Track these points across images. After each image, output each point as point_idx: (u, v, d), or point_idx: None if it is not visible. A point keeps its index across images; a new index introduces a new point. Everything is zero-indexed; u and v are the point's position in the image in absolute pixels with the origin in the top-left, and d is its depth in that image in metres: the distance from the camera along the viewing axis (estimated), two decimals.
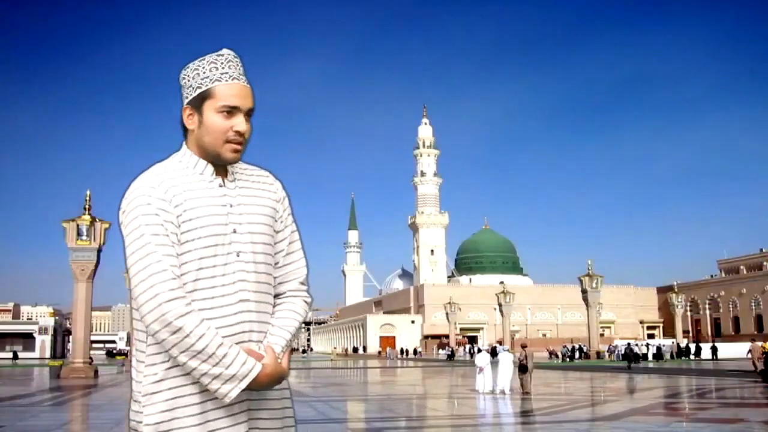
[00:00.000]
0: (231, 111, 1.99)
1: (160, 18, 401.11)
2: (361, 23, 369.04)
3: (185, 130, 2.06)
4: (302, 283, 2.14)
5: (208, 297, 1.92)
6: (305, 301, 2.12)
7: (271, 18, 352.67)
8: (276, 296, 2.08)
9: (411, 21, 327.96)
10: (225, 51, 2.04)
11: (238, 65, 2.04)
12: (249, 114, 2.03)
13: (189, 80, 2.02)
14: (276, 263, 2.09)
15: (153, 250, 1.86)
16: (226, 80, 1.99)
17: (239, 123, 1.99)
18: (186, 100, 2.02)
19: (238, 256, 1.98)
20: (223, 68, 2.00)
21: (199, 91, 1.99)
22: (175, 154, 2.06)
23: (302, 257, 2.16)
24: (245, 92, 2.02)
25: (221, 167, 2.05)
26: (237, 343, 1.90)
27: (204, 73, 2.00)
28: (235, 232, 1.99)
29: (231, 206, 2.01)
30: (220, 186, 2.03)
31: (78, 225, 33.88)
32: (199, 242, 1.93)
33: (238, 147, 2.01)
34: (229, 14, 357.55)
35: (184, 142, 2.07)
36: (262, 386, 1.90)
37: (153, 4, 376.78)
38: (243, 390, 1.86)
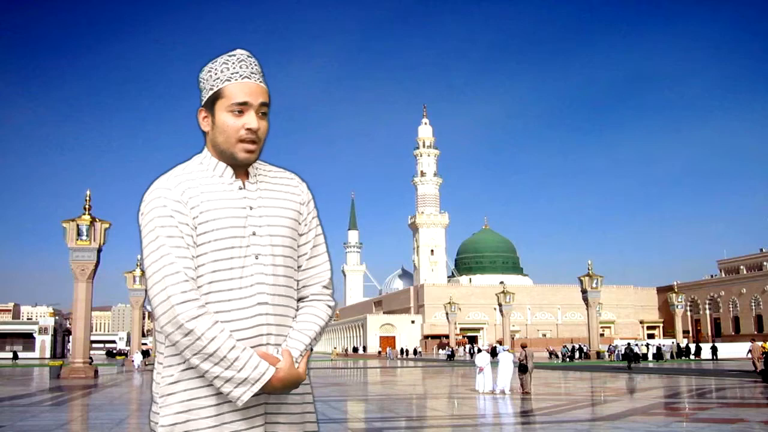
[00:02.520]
0: (242, 110, 1.97)
1: (160, 18, 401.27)
2: (361, 23, 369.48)
3: (205, 132, 2.06)
4: (326, 287, 2.11)
5: (224, 299, 1.91)
6: (328, 305, 2.10)
7: (271, 18, 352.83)
8: (299, 300, 2.07)
9: (411, 21, 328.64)
10: (238, 51, 2.03)
11: (251, 65, 2.02)
12: (263, 112, 2.01)
13: (204, 83, 2.03)
14: (299, 266, 2.08)
15: (167, 252, 1.87)
16: (237, 79, 1.99)
17: (250, 120, 1.98)
18: (201, 102, 2.03)
19: (256, 258, 1.96)
20: (234, 68, 2.00)
21: (211, 92, 2.00)
22: (196, 156, 2.06)
23: (327, 261, 2.14)
24: (257, 90, 2.00)
25: (242, 169, 2.04)
26: (254, 346, 1.89)
27: (216, 74, 2.00)
28: (254, 234, 1.98)
29: (251, 208, 2.00)
30: (240, 188, 2.02)
31: (78, 225, 33.84)
32: (215, 244, 1.93)
33: (251, 147, 1.99)
34: (229, 14, 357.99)
35: (205, 146, 2.07)
36: (276, 390, 1.89)
37: (153, 5, 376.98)
38: (257, 394, 1.85)
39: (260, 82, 2.02)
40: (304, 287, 2.08)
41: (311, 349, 2.03)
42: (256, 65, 2.03)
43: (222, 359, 1.81)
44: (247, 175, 2.05)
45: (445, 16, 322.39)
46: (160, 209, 1.91)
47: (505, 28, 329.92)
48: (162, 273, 1.85)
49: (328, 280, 2.13)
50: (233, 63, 2.00)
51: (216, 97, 1.99)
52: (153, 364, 2.11)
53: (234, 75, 1.99)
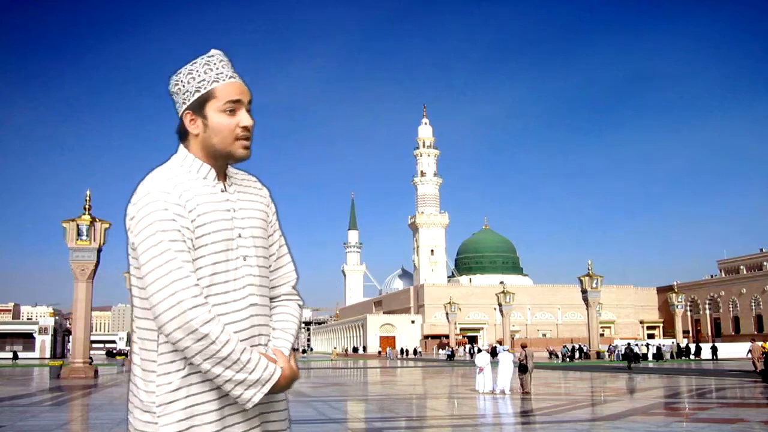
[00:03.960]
0: (234, 108, 1.98)
1: (160, 18, 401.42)
2: (361, 23, 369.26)
3: (182, 136, 2.04)
4: (294, 287, 2.16)
5: (221, 302, 1.91)
6: (299, 305, 2.15)
7: (271, 18, 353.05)
8: (271, 299, 2.10)
9: (411, 21, 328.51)
10: (214, 51, 2.04)
11: (229, 64, 2.04)
12: (249, 109, 2.03)
13: (184, 85, 1.99)
14: (268, 267, 2.10)
15: (173, 257, 1.83)
16: (224, 80, 1.99)
17: (244, 118, 1.99)
18: (185, 106, 2.00)
19: (245, 260, 1.99)
20: (217, 69, 2.00)
21: (198, 94, 1.98)
22: (174, 158, 2.03)
23: (291, 261, 2.18)
24: (244, 88, 2.03)
25: (221, 172, 2.05)
26: (250, 346, 1.91)
27: (200, 76, 1.98)
28: (240, 236, 1.99)
29: (234, 211, 2.02)
30: (222, 191, 2.03)
31: (78, 225, 33.86)
32: (212, 247, 1.93)
33: (248, 143, 2.01)
34: (229, 14, 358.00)
35: (181, 146, 2.04)
36: (281, 389, 1.92)
37: (153, 4, 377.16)
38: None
39: (242, 81, 2.05)
40: (274, 287, 2.11)
41: (296, 349, 2.07)
42: (232, 65, 2.05)
43: (235, 362, 1.80)
44: (225, 177, 2.06)
45: (445, 16, 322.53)
46: (161, 213, 1.87)
47: (505, 28, 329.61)
48: (169, 278, 1.80)
49: (296, 280, 2.17)
50: (215, 64, 2.00)
51: (205, 98, 1.98)
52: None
53: (220, 75, 1.99)
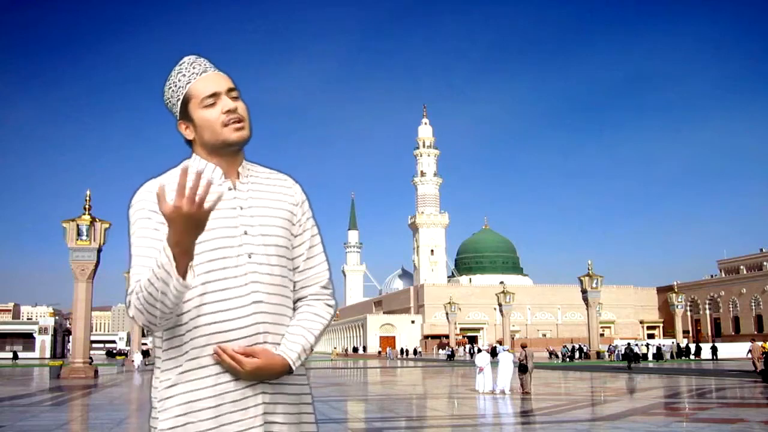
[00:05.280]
0: (213, 101, 2.00)
1: (160, 18, 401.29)
2: (361, 23, 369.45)
3: (189, 143, 2.09)
4: (324, 287, 2.11)
5: (219, 299, 1.91)
6: (327, 304, 2.10)
7: (271, 18, 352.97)
8: (298, 301, 2.07)
9: (411, 21, 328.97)
10: (185, 58, 2.08)
11: (202, 63, 2.07)
12: (234, 96, 2.04)
13: (170, 100, 2.07)
14: (296, 267, 2.07)
15: (138, 254, 1.93)
16: (195, 78, 2.03)
17: (226, 103, 2.01)
18: (177, 116, 2.06)
19: (250, 257, 1.96)
20: (189, 71, 2.04)
21: (180, 102, 2.03)
22: (185, 161, 2.07)
23: (324, 261, 2.14)
24: (219, 78, 2.05)
25: (232, 169, 2.05)
26: (252, 345, 1.89)
27: (177, 85, 2.05)
28: (246, 233, 1.98)
29: (241, 208, 2.01)
30: (230, 189, 2.03)
31: (78, 225, 33.89)
32: (205, 245, 1.92)
33: (239, 125, 2.01)
34: (229, 14, 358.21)
35: (192, 153, 2.10)
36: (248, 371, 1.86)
37: (153, 4, 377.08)
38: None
39: (218, 71, 2.07)
40: (302, 288, 2.08)
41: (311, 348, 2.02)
42: (207, 62, 2.08)
43: (151, 292, 1.78)
44: (237, 175, 2.06)
45: (445, 16, 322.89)
46: (140, 212, 1.96)
47: (505, 28, 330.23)
48: (131, 280, 1.90)
49: (327, 280, 2.13)
50: (186, 68, 2.05)
51: (186, 102, 2.03)
52: (153, 365, 2.12)
53: (192, 76, 2.04)
